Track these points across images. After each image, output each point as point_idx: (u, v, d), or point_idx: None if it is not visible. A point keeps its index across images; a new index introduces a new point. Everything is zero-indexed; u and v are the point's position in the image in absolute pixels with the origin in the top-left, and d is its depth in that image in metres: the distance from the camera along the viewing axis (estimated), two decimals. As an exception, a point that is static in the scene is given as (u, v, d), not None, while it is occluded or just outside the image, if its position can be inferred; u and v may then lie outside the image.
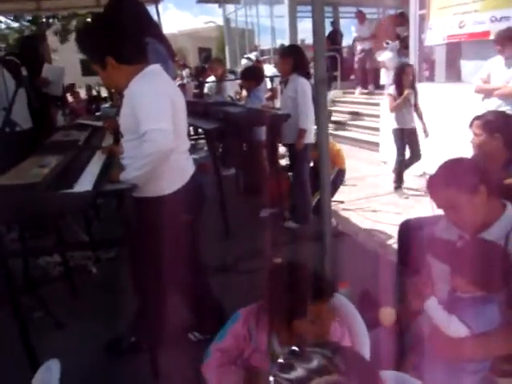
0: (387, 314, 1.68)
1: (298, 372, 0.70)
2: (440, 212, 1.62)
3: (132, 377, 2.11)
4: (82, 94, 10.31)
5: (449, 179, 1.48)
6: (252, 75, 4.75)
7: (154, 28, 2.72)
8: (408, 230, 2.81)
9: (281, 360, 0.74)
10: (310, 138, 3.68)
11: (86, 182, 1.71)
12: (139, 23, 2.43)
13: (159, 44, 2.61)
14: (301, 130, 3.60)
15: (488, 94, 4.00)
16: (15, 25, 15.04)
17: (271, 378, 0.71)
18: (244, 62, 8.89)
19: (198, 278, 2.24)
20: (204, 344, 2.25)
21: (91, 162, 2.12)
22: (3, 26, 15.37)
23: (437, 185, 1.52)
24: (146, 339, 2.14)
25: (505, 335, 1.32)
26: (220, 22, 16.75)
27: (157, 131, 1.72)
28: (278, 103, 5.75)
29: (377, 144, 6.59)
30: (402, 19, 8.92)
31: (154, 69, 1.92)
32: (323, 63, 1.98)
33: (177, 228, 2.01)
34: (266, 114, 4.05)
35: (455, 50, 5.50)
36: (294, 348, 0.74)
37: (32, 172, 1.86)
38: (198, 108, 4.51)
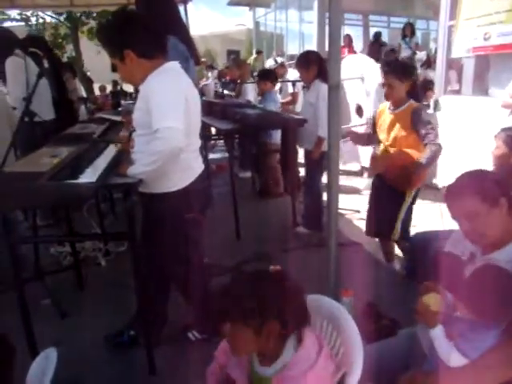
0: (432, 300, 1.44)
1: None
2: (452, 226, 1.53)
3: (126, 369, 2.12)
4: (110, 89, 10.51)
5: (470, 187, 1.38)
6: (267, 77, 4.81)
7: (178, 27, 2.73)
8: (419, 243, 2.75)
9: None
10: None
11: (91, 174, 1.72)
12: (163, 20, 2.44)
13: (181, 43, 2.63)
14: (319, 137, 3.47)
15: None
16: (53, 20, 15.50)
17: None
18: (270, 62, 8.81)
19: (200, 277, 2.23)
20: (202, 344, 2.28)
21: (102, 154, 2.13)
22: (40, 20, 15.84)
23: (456, 192, 1.43)
24: (144, 334, 2.14)
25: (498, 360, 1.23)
26: (250, 25, 16.80)
27: (169, 129, 1.73)
28: (298, 108, 5.70)
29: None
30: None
31: (172, 66, 1.94)
32: (338, 69, 1.96)
33: (181, 226, 2.01)
34: (280, 116, 4.02)
35: (483, 63, 5.35)
36: None
37: (42, 161, 1.89)
38: (217, 108, 4.52)
